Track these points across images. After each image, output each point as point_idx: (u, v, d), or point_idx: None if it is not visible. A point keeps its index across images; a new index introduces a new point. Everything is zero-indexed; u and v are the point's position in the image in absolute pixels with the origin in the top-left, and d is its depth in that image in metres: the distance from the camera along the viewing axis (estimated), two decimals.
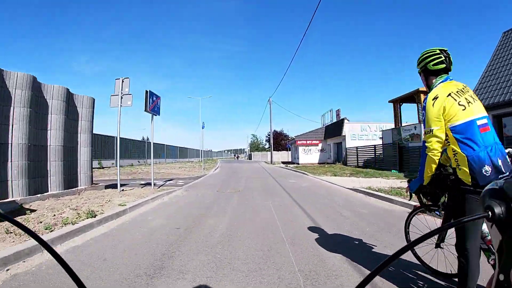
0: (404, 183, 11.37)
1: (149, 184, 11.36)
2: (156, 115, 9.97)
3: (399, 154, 18.87)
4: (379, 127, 28.33)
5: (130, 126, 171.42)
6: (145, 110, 9.27)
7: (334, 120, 32.83)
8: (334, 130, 30.36)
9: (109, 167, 21.39)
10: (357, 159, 24.29)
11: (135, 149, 26.60)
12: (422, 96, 18.83)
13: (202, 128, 17.46)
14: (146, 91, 9.36)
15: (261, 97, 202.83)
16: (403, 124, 20.72)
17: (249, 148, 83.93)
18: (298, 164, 31.83)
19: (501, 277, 0.51)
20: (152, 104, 9.64)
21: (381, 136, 22.60)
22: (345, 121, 27.76)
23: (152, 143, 9.72)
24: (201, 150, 18.35)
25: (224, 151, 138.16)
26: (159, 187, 10.23)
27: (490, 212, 0.52)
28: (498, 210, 0.51)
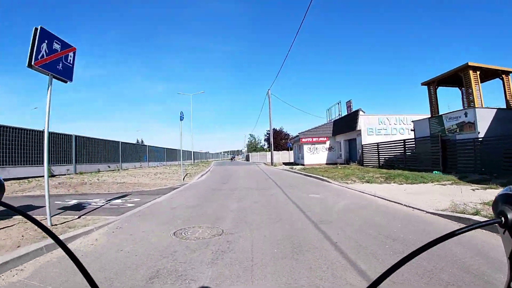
0: (480, 192, 6.81)
1: (85, 204, 6.78)
2: (64, 81, 5.24)
3: (442, 149, 14.23)
4: (399, 120, 23.86)
5: (120, 127, 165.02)
6: (29, 66, 4.52)
7: (344, 113, 28.25)
8: (345, 124, 25.70)
9: (63, 174, 16.54)
10: (379, 158, 19.65)
11: (107, 152, 21.71)
12: (472, 74, 14.20)
13: (181, 119, 12.70)
14: (35, 29, 4.64)
15: (259, 97, 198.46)
16: (441, 112, 16.22)
17: (246, 148, 78.98)
18: (304, 165, 27.13)
19: None
20: (50, 56, 4.90)
21: (412, 128, 17.93)
22: (360, 113, 23.09)
23: (46, 134, 4.88)
24: (180, 150, 13.40)
25: (221, 152, 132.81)
26: (79, 217, 5.57)
27: (503, 218, 0.50)
28: (511, 216, 0.49)
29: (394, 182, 10.82)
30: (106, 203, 7.72)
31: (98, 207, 7.05)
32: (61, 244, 0.52)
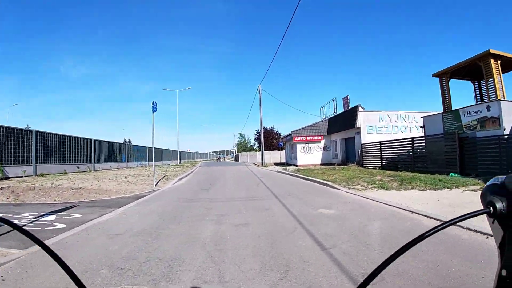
0: None
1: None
2: None
3: (459, 149, 12.39)
4: (401, 117, 22.11)
5: (104, 126, 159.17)
6: None
7: (340, 111, 26.32)
8: (342, 122, 23.78)
9: (21, 176, 13.99)
10: (381, 158, 17.76)
11: (76, 150, 19.11)
12: (493, 63, 12.38)
13: (153, 111, 10.34)
14: None
15: (249, 97, 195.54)
16: (455, 107, 14.42)
17: (236, 148, 76.35)
18: (297, 166, 25.08)
19: (504, 272, 0.50)
20: None
21: (421, 125, 16.09)
22: (359, 109, 21.18)
23: None
24: (153, 148, 11.00)
25: (211, 152, 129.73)
26: None
27: (491, 208, 0.50)
28: (499, 205, 0.50)
29: (412, 188, 8.89)
30: (34, 220, 5.53)
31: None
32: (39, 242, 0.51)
